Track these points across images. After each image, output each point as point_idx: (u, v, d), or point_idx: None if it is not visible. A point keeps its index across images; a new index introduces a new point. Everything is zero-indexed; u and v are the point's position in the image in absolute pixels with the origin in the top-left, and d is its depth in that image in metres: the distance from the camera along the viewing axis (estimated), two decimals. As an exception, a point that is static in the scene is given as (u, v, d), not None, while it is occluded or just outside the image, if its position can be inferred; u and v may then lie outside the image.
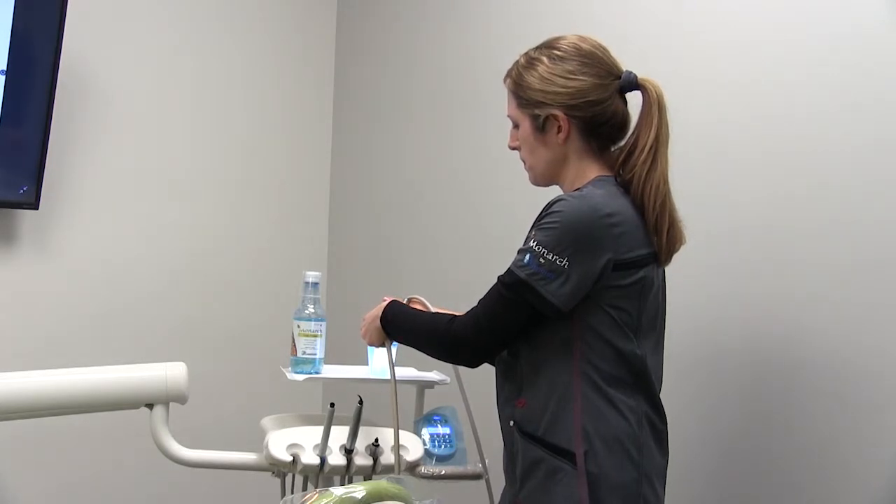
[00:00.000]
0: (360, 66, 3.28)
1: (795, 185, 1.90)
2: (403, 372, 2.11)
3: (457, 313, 1.75)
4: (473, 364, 1.74)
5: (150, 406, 1.85)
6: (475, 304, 1.70)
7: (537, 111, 1.70)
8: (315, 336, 1.99)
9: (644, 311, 1.65)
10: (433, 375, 2.09)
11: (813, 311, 1.85)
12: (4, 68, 2.58)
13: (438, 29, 2.94)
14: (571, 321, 1.62)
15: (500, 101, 2.33)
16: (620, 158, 1.70)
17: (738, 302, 1.98)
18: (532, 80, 1.71)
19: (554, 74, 1.69)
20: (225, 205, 3.15)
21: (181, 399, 1.86)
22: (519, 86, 1.73)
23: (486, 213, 2.70)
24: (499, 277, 1.65)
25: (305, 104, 3.33)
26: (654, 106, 1.68)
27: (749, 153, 1.98)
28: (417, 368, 2.12)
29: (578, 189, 1.69)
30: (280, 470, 1.88)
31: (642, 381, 1.65)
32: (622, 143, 1.72)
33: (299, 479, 1.92)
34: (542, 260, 1.60)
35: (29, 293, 2.79)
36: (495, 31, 2.70)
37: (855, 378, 1.77)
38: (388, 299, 1.90)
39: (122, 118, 2.94)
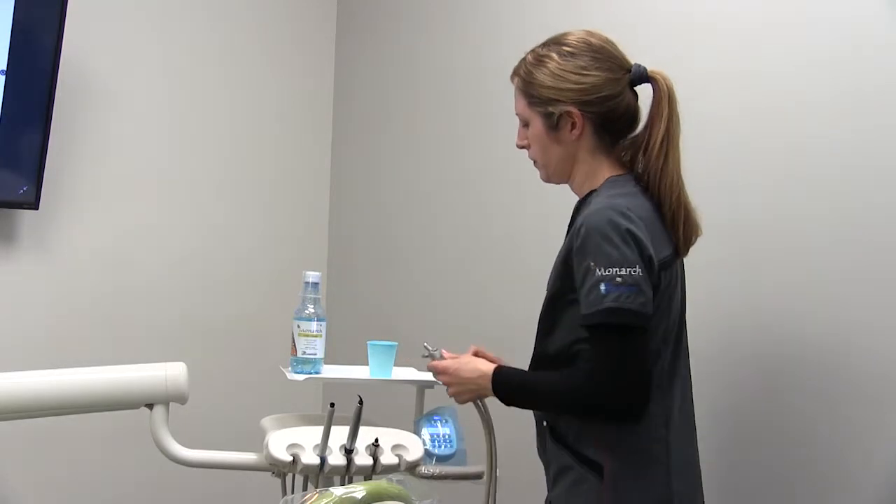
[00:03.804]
0: (360, 66, 3.28)
1: (800, 182, 1.90)
2: (403, 372, 2.11)
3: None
4: (642, 411, 1.57)
5: (150, 406, 1.85)
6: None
7: (550, 109, 1.68)
8: (315, 336, 1.99)
9: (669, 315, 1.64)
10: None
11: (827, 311, 1.85)
12: (4, 68, 2.58)
13: (439, 27, 2.94)
14: None
15: (501, 98, 2.31)
16: (634, 153, 1.69)
17: (748, 302, 1.99)
18: (543, 77, 1.68)
19: (566, 71, 1.66)
20: (225, 205, 3.15)
21: (181, 399, 1.86)
22: (529, 84, 1.70)
23: (486, 213, 2.70)
24: (592, 327, 1.56)
25: (305, 104, 3.33)
26: (665, 99, 1.66)
27: (754, 147, 1.99)
28: (417, 368, 2.12)
29: (593, 195, 1.67)
30: (280, 470, 1.88)
31: (673, 387, 1.65)
32: (632, 136, 1.70)
33: (299, 479, 1.92)
34: (618, 279, 1.53)
35: (29, 293, 2.79)
36: (497, 28, 2.70)
37: (871, 376, 1.78)
38: (486, 365, 1.75)
39: (122, 118, 2.94)
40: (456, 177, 2.83)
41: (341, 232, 3.32)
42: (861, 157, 1.80)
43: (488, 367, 1.74)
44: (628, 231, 1.55)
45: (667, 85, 1.66)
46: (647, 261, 1.56)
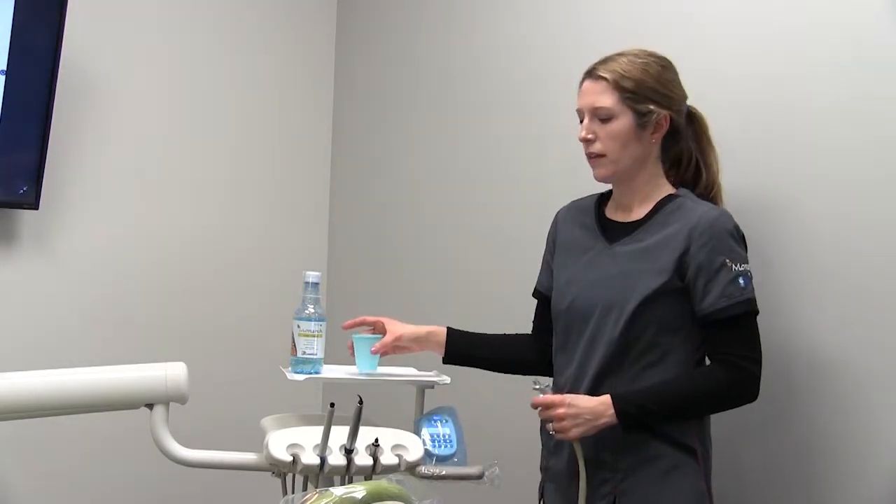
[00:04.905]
0: (361, 65, 3.27)
1: (794, 182, 1.90)
2: (403, 372, 2.11)
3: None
4: None
5: (150, 406, 1.85)
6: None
7: (652, 107, 1.77)
8: (315, 336, 1.99)
9: None
10: (433, 375, 2.09)
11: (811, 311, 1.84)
12: (4, 68, 2.58)
13: (440, 26, 2.94)
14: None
15: (502, 98, 2.32)
16: (680, 170, 1.87)
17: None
18: (647, 78, 1.78)
19: (667, 80, 1.80)
20: (225, 205, 3.15)
21: (181, 399, 1.86)
22: (628, 79, 1.78)
23: (486, 213, 2.70)
24: (737, 316, 1.72)
25: (305, 104, 3.33)
26: (708, 129, 1.86)
27: (747, 149, 1.99)
28: (417, 368, 2.12)
29: (681, 200, 1.81)
30: (280, 470, 1.87)
31: None
32: (675, 150, 1.87)
33: (299, 479, 1.92)
34: (749, 274, 1.74)
35: (29, 293, 2.79)
36: (497, 28, 2.70)
37: (861, 378, 1.78)
38: (599, 398, 1.76)
39: (122, 118, 2.94)
40: (456, 177, 2.83)
41: (341, 232, 3.32)
42: (865, 161, 1.80)
43: (600, 397, 1.75)
44: (743, 236, 1.78)
45: (703, 116, 1.86)
46: None
